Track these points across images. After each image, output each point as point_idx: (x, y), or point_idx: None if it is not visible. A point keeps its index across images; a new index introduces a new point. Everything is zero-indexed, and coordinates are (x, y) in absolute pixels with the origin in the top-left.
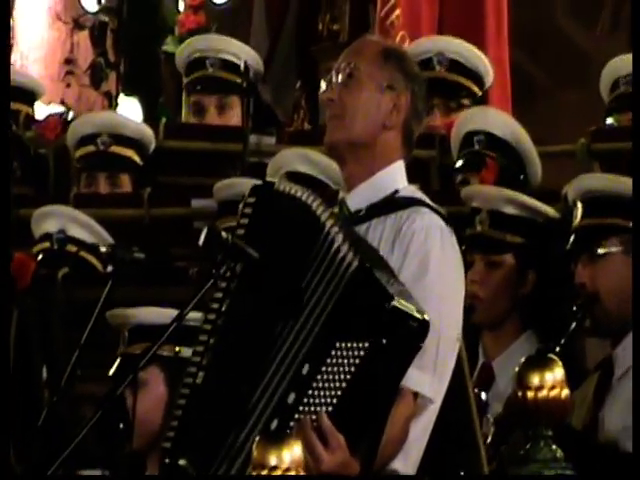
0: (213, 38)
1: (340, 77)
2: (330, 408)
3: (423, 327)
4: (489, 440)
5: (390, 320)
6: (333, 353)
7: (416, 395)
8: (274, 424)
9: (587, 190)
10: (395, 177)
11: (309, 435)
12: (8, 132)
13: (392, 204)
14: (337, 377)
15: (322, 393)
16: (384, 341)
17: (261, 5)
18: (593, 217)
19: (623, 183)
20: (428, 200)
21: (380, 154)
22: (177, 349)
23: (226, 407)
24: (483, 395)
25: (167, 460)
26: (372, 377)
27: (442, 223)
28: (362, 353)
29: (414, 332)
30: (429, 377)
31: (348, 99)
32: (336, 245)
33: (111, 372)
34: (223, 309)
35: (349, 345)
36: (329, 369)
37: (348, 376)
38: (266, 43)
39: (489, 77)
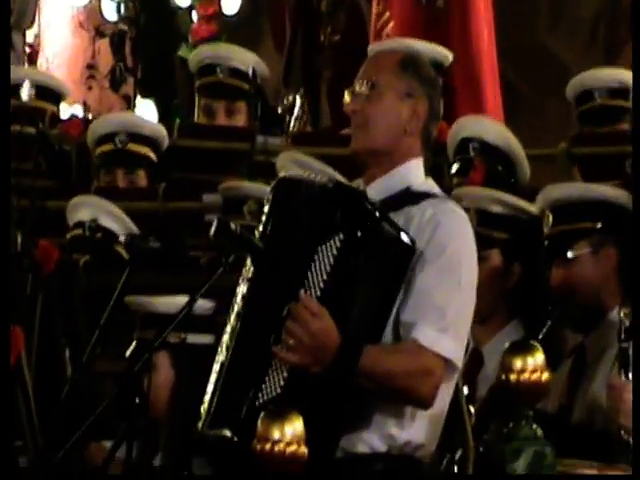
0: (223, 46)
1: (362, 89)
2: (314, 296)
3: (398, 233)
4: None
5: (365, 217)
6: (316, 257)
7: (446, 361)
8: (272, 339)
9: (554, 200)
10: (411, 172)
11: (296, 307)
12: (8, 130)
13: (407, 197)
14: (321, 272)
15: (309, 291)
16: (359, 233)
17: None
18: (562, 224)
19: (584, 189)
20: (442, 193)
21: (400, 157)
22: (183, 336)
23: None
24: (465, 389)
25: (211, 432)
26: (352, 268)
27: (456, 208)
28: (339, 244)
29: (388, 232)
30: (451, 341)
31: (370, 109)
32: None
33: (127, 353)
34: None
35: (328, 243)
36: (314, 270)
37: (329, 268)
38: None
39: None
